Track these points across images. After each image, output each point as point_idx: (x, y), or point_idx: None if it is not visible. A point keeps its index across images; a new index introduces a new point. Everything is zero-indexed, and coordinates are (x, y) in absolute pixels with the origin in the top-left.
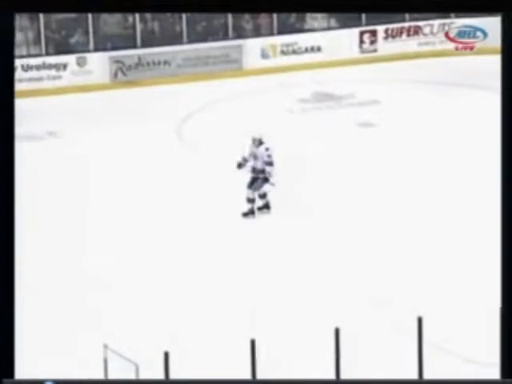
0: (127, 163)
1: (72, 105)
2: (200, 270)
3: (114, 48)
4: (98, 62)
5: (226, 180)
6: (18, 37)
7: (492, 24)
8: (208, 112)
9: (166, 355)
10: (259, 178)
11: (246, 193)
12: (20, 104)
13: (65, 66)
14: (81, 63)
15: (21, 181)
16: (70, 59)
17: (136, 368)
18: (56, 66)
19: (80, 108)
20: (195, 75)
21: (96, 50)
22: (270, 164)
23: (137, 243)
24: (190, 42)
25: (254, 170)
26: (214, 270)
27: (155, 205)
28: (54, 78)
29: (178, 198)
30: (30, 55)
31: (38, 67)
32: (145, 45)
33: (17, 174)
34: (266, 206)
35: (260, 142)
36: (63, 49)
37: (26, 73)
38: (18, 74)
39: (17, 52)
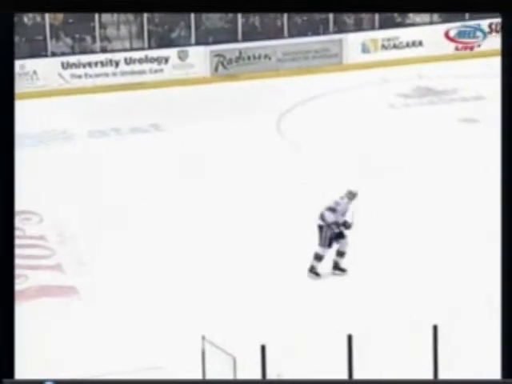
0: (226, 156)
1: (173, 98)
2: (297, 264)
3: (216, 42)
4: (199, 56)
5: (328, 176)
6: (122, 30)
7: None
8: (308, 106)
9: (263, 348)
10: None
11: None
12: (123, 97)
13: (166, 60)
14: (182, 57)
15: (128, 171)
16: (172, 53)
17: (233, 361)
18: (158, 60)
19: (181, 101)
20: (295, 69)
21: (197, 43)
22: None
23: (230, 236)
24: (291, 36)
25: (337, 224)
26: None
27: (253, 198)
28: (156, 71)
29: (274, 193)
30: (132, 49)
31: (140, 60)
32: (246, 39)
33: (123, 165)
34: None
35: (354, 196)
36: (165, 42)
37: (129, 66)
38: (121, 67)
39: (120, 45)
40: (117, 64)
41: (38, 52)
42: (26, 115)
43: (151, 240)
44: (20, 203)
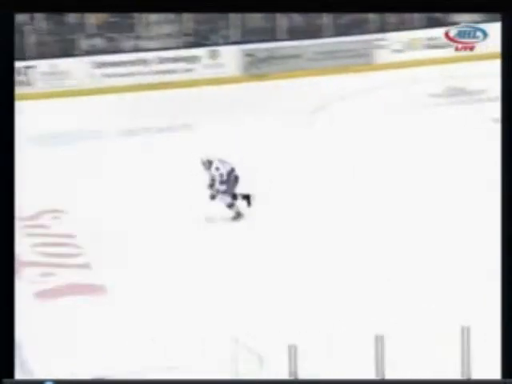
0: (259, 155)
1: (204, 97)
2: (319, 266)
3: (246, 41)
4: (231, 55)
5: (356, 172)
6: (164, 29)
7: None
8: (338, 106)
9: (291, 349)
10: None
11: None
12: (153, 96)
13: (198, 59)
14: (213, 56)
15: (158, 170)
16: (203, 52)
17: (261, 360)
18: (189, 59)
19: (212, 101)
20: (325, 69)
21: (228, 43)
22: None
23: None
24: (321, 36)
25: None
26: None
27: (289, 197)
28: (187, 70)
29: (312, 191)
30: (164, 48)
31: (171, 60)
32: (276, 39)
33: (152, 163)
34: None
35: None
36: (197, 42)
37: (160, 65)
38: (153, 66)
39: (153, 45)
40: (148, 63)
41: (71, 51)
42: (58, 114)
43: (182, 240)
44: (49, 201)
